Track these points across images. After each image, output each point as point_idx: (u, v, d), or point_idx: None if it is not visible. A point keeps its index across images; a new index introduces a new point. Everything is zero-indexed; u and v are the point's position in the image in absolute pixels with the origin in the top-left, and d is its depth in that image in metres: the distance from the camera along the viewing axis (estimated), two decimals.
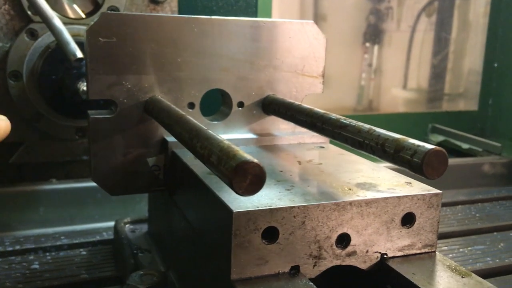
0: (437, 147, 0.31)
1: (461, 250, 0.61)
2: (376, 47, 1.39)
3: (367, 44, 1.38)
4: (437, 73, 1.41)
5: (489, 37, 1.25)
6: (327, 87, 0.52)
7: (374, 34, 1.37)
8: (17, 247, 0.58)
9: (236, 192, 0.27)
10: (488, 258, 0.59)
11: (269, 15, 0.96)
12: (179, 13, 0.72)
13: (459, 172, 0.88)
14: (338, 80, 1.33)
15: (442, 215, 0.72)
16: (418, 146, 0.31)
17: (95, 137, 0.45)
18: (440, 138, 1.14)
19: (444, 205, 0.76)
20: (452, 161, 0.94)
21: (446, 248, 0.61)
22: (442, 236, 0.64)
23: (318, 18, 1.33)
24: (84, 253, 0.57)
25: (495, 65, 1.21)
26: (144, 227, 0.57)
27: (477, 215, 0.74)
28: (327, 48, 0.51)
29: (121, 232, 0.56)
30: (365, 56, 1.39)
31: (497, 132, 1.19)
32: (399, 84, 1.41)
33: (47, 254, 0.57)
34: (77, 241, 0.60)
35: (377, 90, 1.40)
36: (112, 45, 0.43)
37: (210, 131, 0.33)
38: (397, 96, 1.41)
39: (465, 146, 1.06)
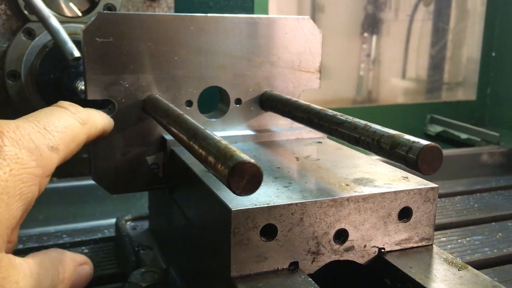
0: (432, 143, 0.31)
1: (459, 241, 0.61)
2: (374, 37, 1.39)
3: (365, 34, 1.37)
4: (436, 63, 1.40)
5: (486, 26, 1.24)
6: (325, 79, 0.53)
7: (372, 24, 1.37)
8: (20, 246, 0.59)
9: (234, 192, 0.27)
10: (487, 249, 0.59)
11: (266, 6, 0.96)
12: (175, 9, 0.72)
13: (458, 162, 0.89)
14: (336, 71, 1.33)
15: (440, 206, 0.73)
16: (413, 142, 0.32)
17: None
18: (439, 128, 1.15)
19: (443, 196, 0.77)
20: (450, 151, 0.94)
21: (444, 239, 0.62)
22: (440, 227, 0.65)
23: (316, 9, 1.33)
24: (86, 251, 0.58)
25: (493, 54, 1.21)
26: (145, 224, 0.58)
27: (476, 205, 0.74)
28: (325, 39, 0.51)
29: (122, 230, 0.56)
30: (363, 46, 1.39)
31: (496, 122, 1.19)
32: (398, 74, 1.41)
33: None
34: (79, 239, 0.60)
35: (376, 80, 1.40)
36: (109, 45, 0.43)
37: (207, 131, 0.33)
38: (396, 86, 1.41)
39: (463, 136, 1.07)
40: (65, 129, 0.34)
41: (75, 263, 0.35)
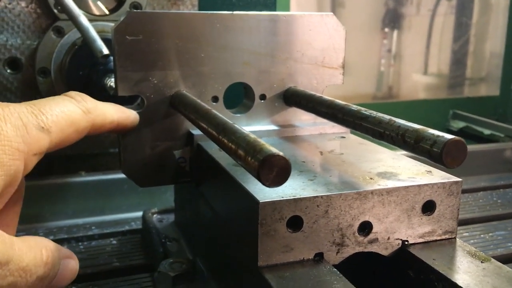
0: (456, 137, 0.32)
1: (482, 236, 0.62)
2: (395, 32, 1.38)
3: (386, 30, 1.37)
4: (458, 58, 1.39)
5: (510, 20, 1.23)
6: (346, 74, 0.53)
7: (393, 19, 1.36)
8: (51, 237, 0.61)
9: (263, 184, 0.28)
10: (509, 244, 0.59)
11: (287, 1, 0.96)
12: (199, 5, 0.74)
13: (481, 158, 0.88)
14: (357, 67, 1.33)
15: (463, 201, 0.73)
16: (438, 136, 0.32)
17: None
18: (461, 124, 1.14)
19: (466, 191, 0.77)
20: (473, 147, 0.94)
21: (467, 234, 0.62)
22: (463, 223, 0.65)
23: (336, 4, 1.33)
24: (115, 242, 0.60)
25: None
26: (171, 217, 0.59)
27: (499, 201, 0.74)
28: (345, 34, 0.52)
29: (149, 222, 0.58)
30: (384, 41, 1.38)
31: None
32: (420, 69, 1.40)
33: (80, 243, 0.60)
34: (107, 231, 0.62)
35: (397, 76, 1.39)
36: (138, 42, 0.45)
37: (236, 125, 0.34)
38: (417, 81, 1.40)
39: (486, 132, 1.06)
40: (61, 113, 0.34)
41: (61, 254, 0.34)
